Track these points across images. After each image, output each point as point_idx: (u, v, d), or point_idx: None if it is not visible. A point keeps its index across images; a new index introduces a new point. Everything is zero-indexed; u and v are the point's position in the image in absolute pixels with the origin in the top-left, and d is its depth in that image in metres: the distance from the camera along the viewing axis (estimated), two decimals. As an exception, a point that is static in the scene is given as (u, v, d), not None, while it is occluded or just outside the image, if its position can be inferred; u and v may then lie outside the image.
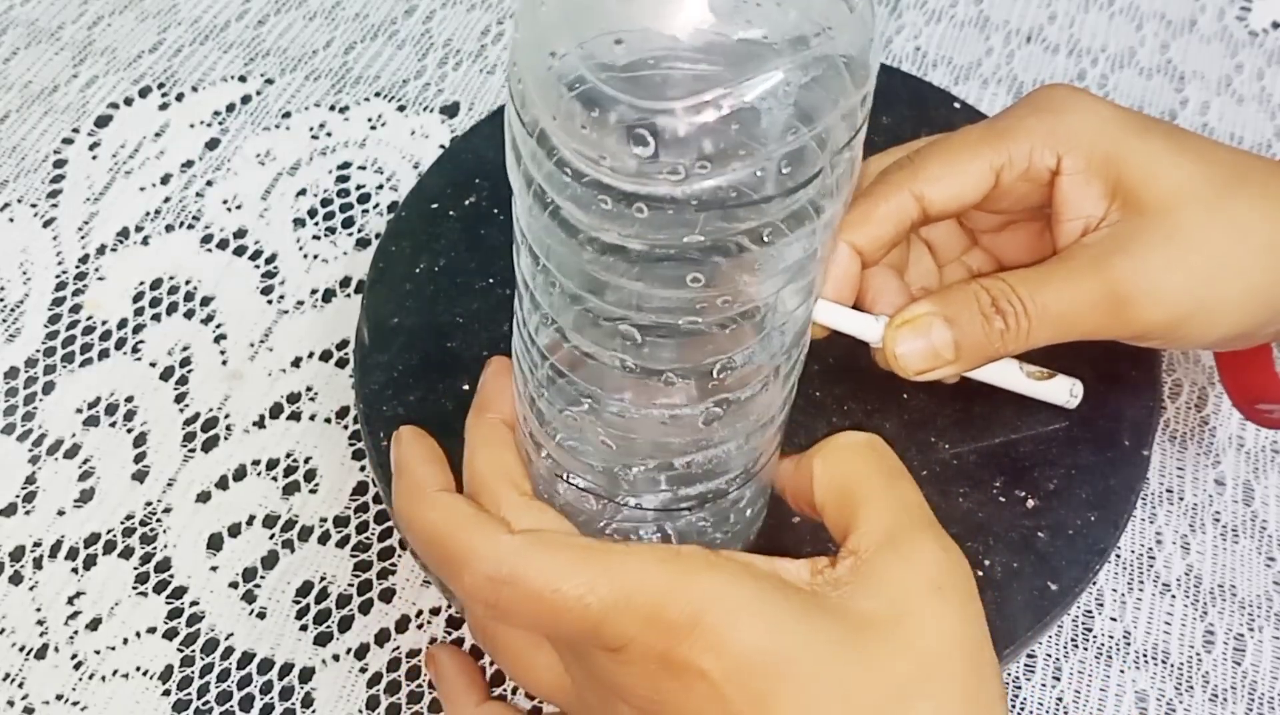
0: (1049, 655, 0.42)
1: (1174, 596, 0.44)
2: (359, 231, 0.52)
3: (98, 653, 0.42)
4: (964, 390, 0.38)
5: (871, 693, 0.27)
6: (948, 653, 0.28)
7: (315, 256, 0.51)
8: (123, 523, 0.44)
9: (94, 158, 0.54)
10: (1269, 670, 0.42)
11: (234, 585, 0.43)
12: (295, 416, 0.47)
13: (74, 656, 0.42)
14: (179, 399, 0.47)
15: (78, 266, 0.51)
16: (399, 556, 0.44)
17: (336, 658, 0.42)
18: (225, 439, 0.46)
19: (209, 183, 0.54)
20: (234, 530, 0.44)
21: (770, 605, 0.27)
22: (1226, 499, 0.46)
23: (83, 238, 0.52)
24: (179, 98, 0.57)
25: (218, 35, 0.59)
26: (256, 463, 0.46)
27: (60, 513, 0.45)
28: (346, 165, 0.54)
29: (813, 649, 0.27)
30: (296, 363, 0.48)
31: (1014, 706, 0.41)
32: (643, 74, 0.24)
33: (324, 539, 0.44)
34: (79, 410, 0.47)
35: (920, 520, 0.30)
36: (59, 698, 0.41)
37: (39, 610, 0.42)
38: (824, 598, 0.28)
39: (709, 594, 0.27)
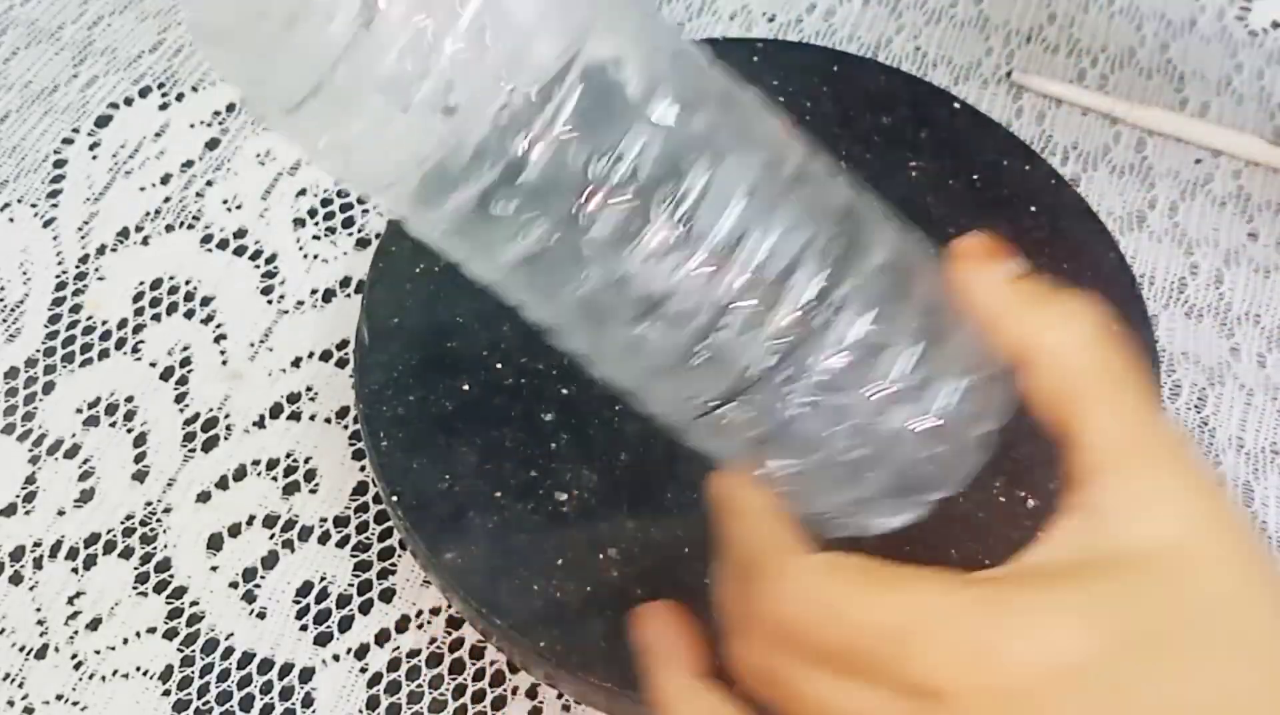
0: (1049, 655, 0.42)
1: (1174, 596, 0.44)
2: (359, 231, 0.52)
3: (98, 653, 0.42)
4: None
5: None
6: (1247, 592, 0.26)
7: (315, 256, 0.51)
8: (123, 523, 0.44)
9: (94, 158, 0.54)
10: (1269, 670, 0.42)
11: (234, 585, 0.43)
12: (295, 416, 0.47)
13: (74, 656, 0.42)
14: (179, 399, 0.47)
15: (78, 266, 0.51)
16: (399, 556, 0.44)
17: (336, 658, 0.42)
18: (225, 439, 0.46)
19: (209, 183, 0.54)
20: (234, 530, 0.44)
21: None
22: (1226, 499, 0.46)
23: (83, 238, 0.52)
24: (179, 98, 0.57)
25: (218, 35, 0.59)
26: (256, 463, 0.46)
27: (60, 513, 0.45)
28: (346, 165, 0.54)
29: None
30: (296, 363, 0.48)
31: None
32: None
33: (324, 539, 0.44)
34: (79, 410, 0.47)
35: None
36: (59, 698, 0.41)
37: (39, 610, 0.42)
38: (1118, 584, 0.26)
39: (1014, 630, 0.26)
